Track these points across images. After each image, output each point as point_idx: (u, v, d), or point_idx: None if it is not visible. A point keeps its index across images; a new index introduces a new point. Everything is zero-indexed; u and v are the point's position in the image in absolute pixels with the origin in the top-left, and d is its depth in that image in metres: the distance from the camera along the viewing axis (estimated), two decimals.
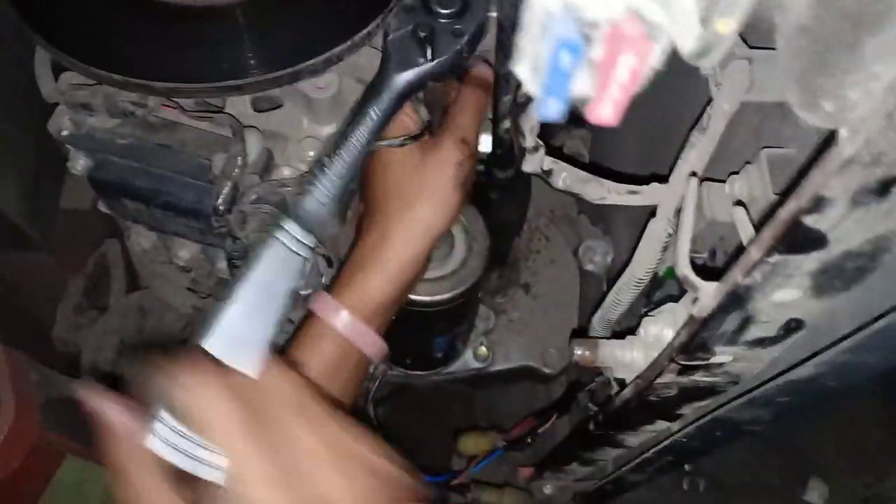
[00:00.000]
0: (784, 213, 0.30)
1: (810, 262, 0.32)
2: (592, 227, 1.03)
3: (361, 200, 0.69)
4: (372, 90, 0.54)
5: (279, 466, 0.41)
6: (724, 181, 0.53)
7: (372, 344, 0.60)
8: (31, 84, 0.66)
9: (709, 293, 0.38)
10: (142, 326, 0.96)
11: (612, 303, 0.58)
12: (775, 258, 0.32)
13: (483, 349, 0.95)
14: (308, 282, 0.71)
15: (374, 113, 0.53)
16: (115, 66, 0.55)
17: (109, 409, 0.44)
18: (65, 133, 0.65)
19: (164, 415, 0.42)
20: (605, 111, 0.22)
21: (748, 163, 0.51)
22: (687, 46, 0.23)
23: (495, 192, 0.80)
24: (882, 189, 0.27)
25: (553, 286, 1.03)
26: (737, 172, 0.52)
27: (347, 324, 0.58)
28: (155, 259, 0.79)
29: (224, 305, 0.47)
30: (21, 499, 1.16)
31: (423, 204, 0.59)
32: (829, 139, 0.27)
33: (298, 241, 0.51)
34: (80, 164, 0.66)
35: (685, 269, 0.39)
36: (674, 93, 0.67)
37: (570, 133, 0.93)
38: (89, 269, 1.02)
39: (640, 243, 0.53)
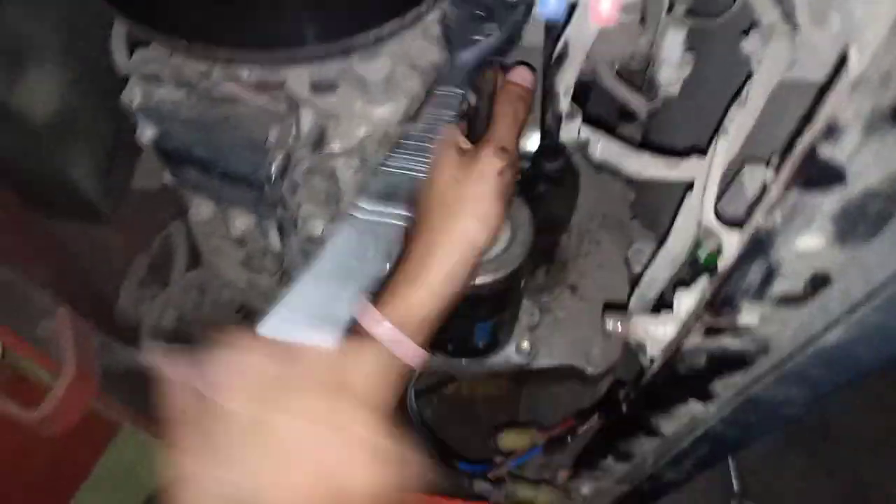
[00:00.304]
0: (801, 145, 0.30)
1: (830, 201, 0.32)
2: (644, 232, 1.03)
3: None
4: (441, 73, 0.55)
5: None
6: None
7: (414, 357, 0.61)
8: (111, 69, 0.71)
9: (732, 242, 0.38)
10: (200, 302, 1.00)
11: (648, 280, 0.58)
12: (794, 196, 0.32)
13: (525, 344, 0.95)
14: None
15: (445, 91, 0.54)
16: (181, 34, 0.59)
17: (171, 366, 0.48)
18: (135, 104, 0.69)
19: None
20: (605, 6, 0.24)
21: None
22: None
23: (543, 185, 0.81)
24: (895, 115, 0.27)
25: (601, 289, 1.03)
26: None
27: (391, 337, 0.59)
28: (213, 232, 0.83)
29: (295, 283, 0.49)
30: (76, 463, 1.22)
31: (465, 217, 0.59)
32: (841, 64, 0.27)
33: (377, 212, 0.51)
34: (147, 133, 0.70)
35: (710, 219, 0.39)
36: (721, 87, 0.67)
37: (621, 130, 0.94)
38: (155, 248, 1.07)
39: (677, 218, 0.53)
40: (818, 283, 0.38)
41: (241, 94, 0.68)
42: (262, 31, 0.60)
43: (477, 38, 0.54)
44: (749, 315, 0.41)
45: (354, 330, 0.61)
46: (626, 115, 0.87)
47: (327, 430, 0.46)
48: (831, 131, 0.28)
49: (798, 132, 0.33)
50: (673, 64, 0.75)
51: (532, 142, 0.74)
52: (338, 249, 0.50)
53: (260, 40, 0.60)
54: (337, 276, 0.49)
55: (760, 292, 0.39)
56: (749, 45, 0.52)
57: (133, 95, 0.69)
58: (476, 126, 0.68)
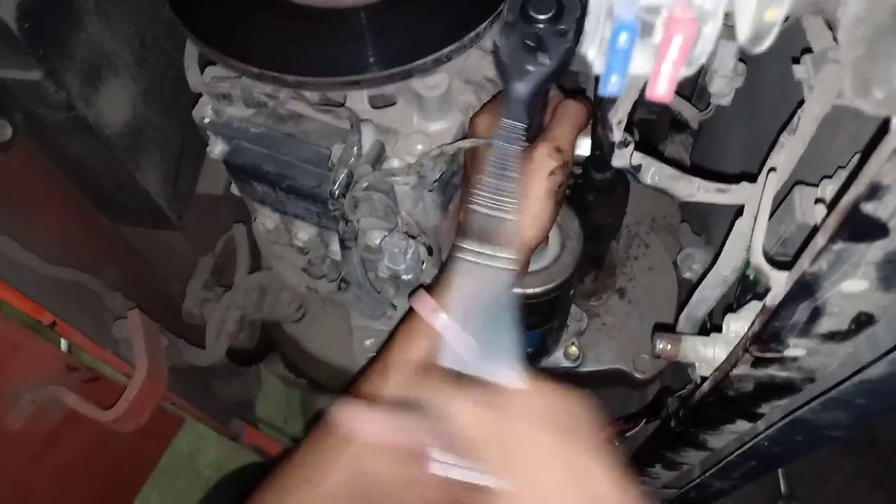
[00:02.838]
0: (845, 201, 0.32)
1: (874, 251, 0.34)
2: (694, 237, 1.04)
3: (461, 199, 0.73)
4: (502, 106, 0.56)
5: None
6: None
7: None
8: (177, 79, 0.75)
9: (780, 281, 0.39)
10: (261, 304, 1.05)
11: (697, 300, 0.60)
12: (839, 245, 0.34)
13: (574, 349, 0.97)
14: (408, 267, 0.76)
15: (508, 125, 0.54)
16: (253, 60, 0.63)
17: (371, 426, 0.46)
18: (207, 120, 0.73)
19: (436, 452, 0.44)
20: (661, 86, 0.26)
21: (841, 167, 0.52)
22: (743, 34, 0.26)
23: (592, 194, 0.83)
24: None
25: (650, 292, 1.04)
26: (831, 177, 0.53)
27: (445, 324, 0.62)
28: (277, 240, 0.87)
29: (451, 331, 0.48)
30: (145, 456, 1.29)
31: (516, 213, 0.62)
32: (884, 128, 0.28)
33: (486, 254, 0.51)
34: (217, 148, 0.74)
35: (758, 259, 0.41)
36: (774, 99, 0.68)
37: (672, 138, 0.94)
38: (218, 250, 1.12)
39: (727, 241, 0.55)
40: (862, 321, 0.39)
41: (306, 112, 0.71)
42: (329, 58, 0.63)
43: (530, 68, 0.55)
44: (796, 349, 0.43)
45: (412, 314, 0.64)
46: (678, 124, 0.87)
47: (574, 476, 0.43)
48: (874, 191, 0.30)
49: (858, 170, 0.34)
50: (725, 75, 0.75)
51: (583, 147, 0.75)
52: (474, 293, 0.49)
53: (326, 67, 0.63)
54: (490, 317, 0.48)
55: (806, 329, 0.40)
56: (800, 71, 0.53)
57: (204, 113, 0.73)
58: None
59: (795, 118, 0.50)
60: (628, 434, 0.96)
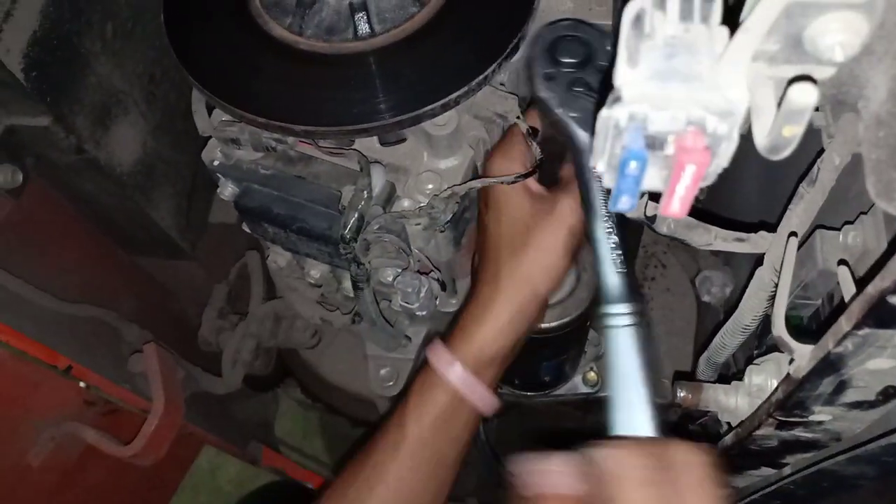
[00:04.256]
0: (871, 290, 0.31)
1: None
2: (712, 257, 1.02)
3: (478, 234, 0.72)
4: (578, 164, 0.54)
5: None
6: (839, 229, 0.52)
7: (482, 398, 0.63)
8: (188, 110, 0.74)
9: (804, 355, 0.38)
10: (276, 331, 1.05)
11: (718, 346, 0.59)
12: (865, 331, 0.33)
13: (592, 374, 0.96)
14: (422, 304, 0.75)
15: (592, 176, 0.53)
16: (259, 110, 0.62)
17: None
18: (216, 163, 0.72)
19: None
20: (674, 206, 0.25)
21: (863, 213, 0.50)
22: (760, 144, 0.25)
23: None
24: None
25: (668, 314, 1.02)
26: (852, 222, 0.51)
27: (460, 376, 0.61)
28: (289, 275, 0.86)
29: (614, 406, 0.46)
30: (165, 482, 1.29)
31: (530, 265, 0.61)
32: None
33: (625, 314, 0.49)
34: (227, 190, 0.73)
35: (781, 331, 0.40)
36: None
37: None
38: (232, 278, 1.12)
39: (747, 291, 0.53)
40: (890, 393, 0.38)
41: (315, 154, 0.70)
42: (336, 106, 0.62)
43: (583, 113, 0.53)
44: (821, 415, 0.42)
45: (428, 367, 0.64)
46: None
47: None
48: None
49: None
50: None
51: None
52: (623, 360, 0.47)
53: (334, 115, 0.62)
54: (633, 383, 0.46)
55: (832, 400, 0.39)
56: (819, 118, 0.51)
57: (214, 155, 0.73)
58: (543, 172, 0.68)
59: (815, 168, 0.48)
60: None
